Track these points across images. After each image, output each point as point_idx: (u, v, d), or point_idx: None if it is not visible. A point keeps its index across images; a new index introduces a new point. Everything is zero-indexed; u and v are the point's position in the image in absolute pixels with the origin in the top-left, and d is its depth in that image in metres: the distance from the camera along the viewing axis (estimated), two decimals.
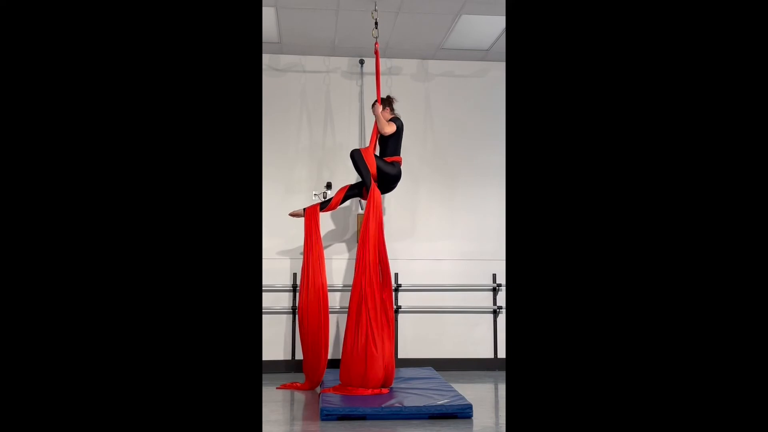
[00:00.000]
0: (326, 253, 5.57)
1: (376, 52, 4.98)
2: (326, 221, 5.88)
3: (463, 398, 4.17)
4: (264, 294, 5.54)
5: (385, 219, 4.80)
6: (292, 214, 5.28)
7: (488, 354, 6.01)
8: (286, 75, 6.05)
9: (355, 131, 6.08)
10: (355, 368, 4.45)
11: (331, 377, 4.95)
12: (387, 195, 5.34)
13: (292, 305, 5.81)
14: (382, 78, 5.38)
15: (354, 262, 5.06)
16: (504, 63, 5.86)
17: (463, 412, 3.96)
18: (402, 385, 4.68)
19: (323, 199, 5.46)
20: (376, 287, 4.57)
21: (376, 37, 4.95)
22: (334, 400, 4.22)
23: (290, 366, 5.75)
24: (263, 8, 4.87)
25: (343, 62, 6.10)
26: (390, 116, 4.95)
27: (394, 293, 5.26)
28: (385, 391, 4.47)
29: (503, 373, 5.62)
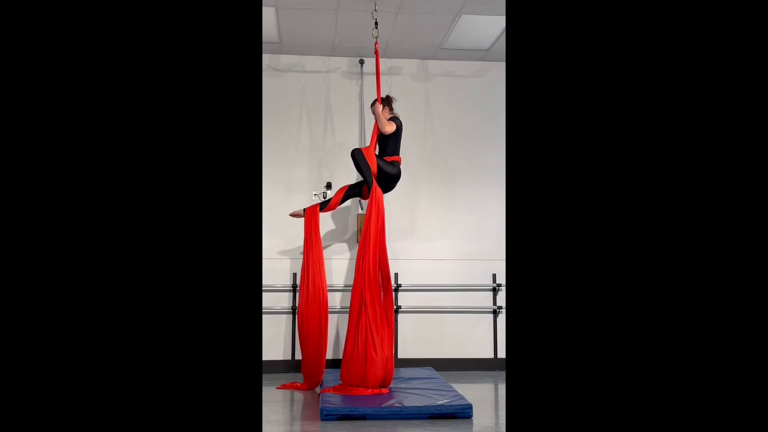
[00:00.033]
0: (326, 253, 5.58)
1: (376, 52, 4.98)
2: (326, 221, 5.89)
3: (463, 398, 4.17)
4: (264, 294, 5.55)
5: (385, 219, 4.79)
6: (293, 215, 5.27)
7: (488, 354, 6.01)
8: (286, 75, 6.05)
9: (355, 131, 6.08)
10: (355, 368, 4.45)
11: (331, 377, 4.95)
12: (387, 195, 5.33)
13: (292, 305, 5.81)
14: (382, 78, 5.38)
15: (354, 262, 5.06)
16: (504, 63, 5.86)
17: (463, 412, 3.96)
18: (402, 385, 4.68)
19: (323, 199, 5.46)
20: (375, 288, 4.57)
21: (376, 37, 4.95)
22: (334, 400, 4.22)
23: (290, 366, 5.75)
24: (263, 8, 4.87)
25: (343, 62, 6.10)
26: (389, 116, 4.95)
27: (394, 293, 5.26)
28: (385, 391, 4.47)
29: (503, 373, 5.62)
